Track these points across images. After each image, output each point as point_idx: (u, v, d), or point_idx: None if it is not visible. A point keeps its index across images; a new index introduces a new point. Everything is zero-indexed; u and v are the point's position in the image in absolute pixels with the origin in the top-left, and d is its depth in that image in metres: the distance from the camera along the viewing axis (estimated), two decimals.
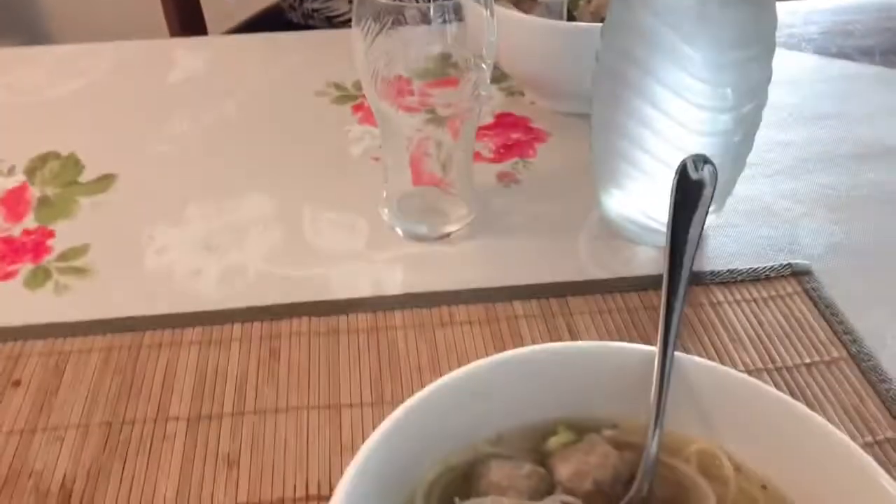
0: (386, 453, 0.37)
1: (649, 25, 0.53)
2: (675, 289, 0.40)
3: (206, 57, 0.90)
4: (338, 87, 0.84)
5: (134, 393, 0.54)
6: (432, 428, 0.39)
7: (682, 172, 0.41)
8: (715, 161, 0.54)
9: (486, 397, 0.40)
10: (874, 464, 0.36)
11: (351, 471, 0.36)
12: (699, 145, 0.56)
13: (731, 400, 0.39)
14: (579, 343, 0.43)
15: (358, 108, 0.82)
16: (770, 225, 0.67)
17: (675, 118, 0.55)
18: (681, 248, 0.41)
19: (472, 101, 0.63)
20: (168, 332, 0.58)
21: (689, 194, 0.41)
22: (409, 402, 0.38)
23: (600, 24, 0.70)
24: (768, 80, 0.57)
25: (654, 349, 0.40)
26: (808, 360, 0.55)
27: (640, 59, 0.55)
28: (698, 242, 0.42)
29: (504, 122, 0.80)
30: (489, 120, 0.80)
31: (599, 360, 0.41)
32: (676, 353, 0.40)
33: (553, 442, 0.41)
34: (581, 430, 0.42)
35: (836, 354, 0.55)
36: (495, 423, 0.42)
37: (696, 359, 0.41)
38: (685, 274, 0.41)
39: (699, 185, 0.41)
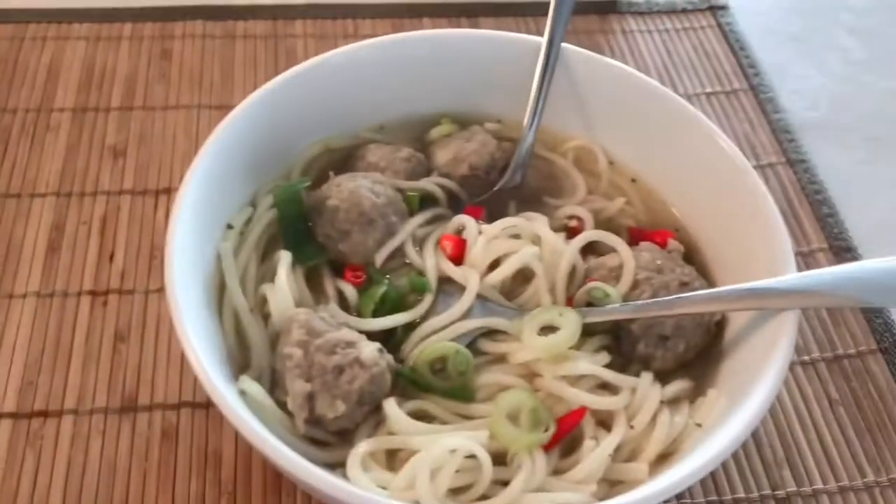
0: (259, 121, 0.36)
1: None
2: None
3: None
4: None
5: (17, 83, 0.51)
6: (312, 106, 0.39)
7: None
8: None
9: (369, 81, 0.40)
10: (743, 158, 0.37)
11: (220, 129, 0.35)
12: None
13: (612, 93, 0.39)
14: (466, 30, 0.41)
15: None
16: None
17: None
18: None
19: None
20: (54, 25, 0.54)
21: None
22: (286, 74, 0.37)
23: None
24: None
25: (542, 39, 0.40)
26: (709, 90, 0.55)
27: None
28: None
29: None
30: None
31: (486, 48, 0.40)
32: (563, 44, 0.40)
33: (435, 132, 0.41)
34: (465, 122, 0.42)
35: (737, 86, 0.55)
36: (378, 113, 0.41)
37: (582, 50, 0.40)
38: None
39: None
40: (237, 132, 0.36)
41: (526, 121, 0.39)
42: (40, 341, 0.40)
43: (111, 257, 0.44)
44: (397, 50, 0.40)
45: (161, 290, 0.43)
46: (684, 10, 0.60)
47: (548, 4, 0.58)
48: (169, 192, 0.47)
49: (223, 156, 0.35)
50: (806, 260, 0.47)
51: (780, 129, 0.53)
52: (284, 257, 0.34)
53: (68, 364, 0.40)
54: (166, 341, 0.41)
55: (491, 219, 0.37)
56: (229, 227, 0.36)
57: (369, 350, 0.31)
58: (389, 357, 0.32)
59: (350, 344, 0.31)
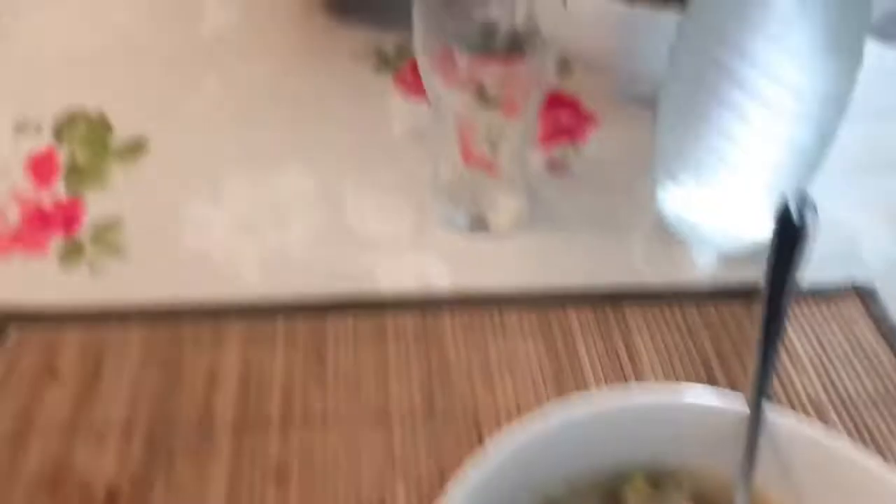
0: None
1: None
2: (771, 344, 0.38)
3: (238, 9, 0.85)
4: (378, 52, 0.80)
5: (177, 391, 0.52)
6: (498, 485, 0.38)
7: (784, 215, 0.39)
8: (794, 168, 0.53)
9: (557, 450, 0.39)
10: None
11: None
12: (780, 147, 0.54)
13: (821, 466, 0.38)
14: (658, 396, 0.41)
15: (400, 78, 0.78)
16: (829, 234, 0.64)
17: (768, 107, 0.51)
18: (779, 299, 0.38)
19: (530, 85, 0.59)
20: (210, 325, 0.56)
21: (788, 239, 0.39)
22: (477, 464, 0.37)
23: (664, 11, 0.67)
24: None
25: (743, 407, 0.39)
26: (873, 392, 0.53)
27: (735, 39, 0.50)
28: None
29: (552, 100, 0.76)
30: (529, 87, 0.76)
31: (680, 414, 0.39)
32: (768, 412, 0.39)
33: (628, 494, 0.40)
34: (658, 481, 0.40)
35: None
36: (566, 473, 0.40)
37: (789, 420, 0.39)
38: (781, 327, 0.39)
39: (800, 229, 0.39)
40: None
41: (737, 496, 0.38)
42: None
43: None
44: (585, 419, 0.39)
45: None
46: (830, 295, 0.59)
47: (695, 292, 0.59)
48: None
49: None
50: None
51: None
52: None
53: None
54: None
55: None
56: None
57: None
58: None
59: None
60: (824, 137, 0.54)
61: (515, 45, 0.58)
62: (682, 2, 0.58)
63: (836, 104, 0.53)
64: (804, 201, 0.39)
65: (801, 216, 0.39)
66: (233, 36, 0.81)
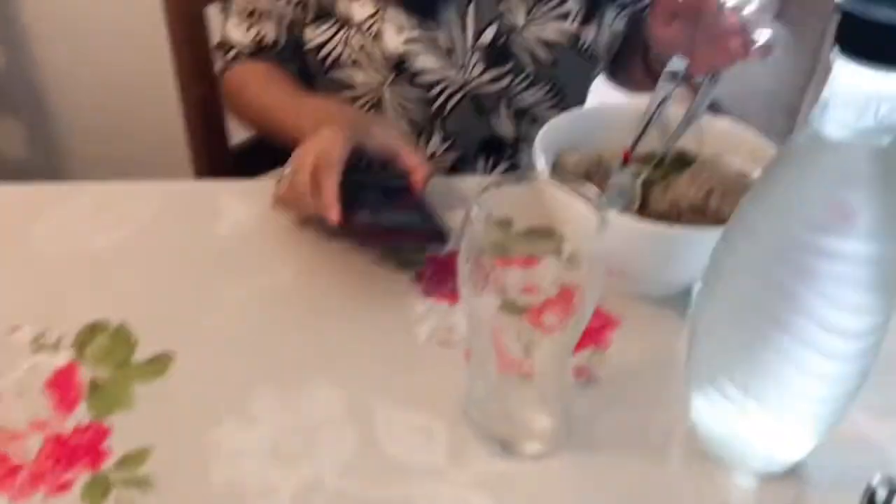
0: None
1: (794, 239, 0.50)
2: None
3: (254, 205, 0.86)
4: (398, 252, 0.81)
5: None
6: None
7: (870, 499, 0.39)
8: (834, 399, 0.53)
9: None
10: None
11: None
12: (821, 383, 0.54)
13: None
14: None
15: (421, 277, 0.78)
16: (859, 449, 0.65)
17: (813, 349, 0.52)
18: None
19: (563, 298, 0.60)
20: None
21: None
22: None
23: (682, 230, 0.69)
24: None
25: None
26: None
27: (781, 283, 0.51)
28: None
29: (570, 298, 0.77)
30: (552, 292, 0.77)
31: None
32: None
33: None
34: None
35: None
36: None
37: None
38: None
39: None
40: None
41: None
42: None
43: None
44: None
45: None
46: None
47: None
48: None
49: None
50: None
51: None
52: None
53: None
54: None
55: None
56: None
57: None
58: None
59: None
60: (865, 367, 0.55)
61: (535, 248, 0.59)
62: (719, 223, 0.59)
63: (878, 336, 0.53)
64: (890, 483, 0.39)
65: (889, 500, 0.39)
66: (251, 236, 0.82)
